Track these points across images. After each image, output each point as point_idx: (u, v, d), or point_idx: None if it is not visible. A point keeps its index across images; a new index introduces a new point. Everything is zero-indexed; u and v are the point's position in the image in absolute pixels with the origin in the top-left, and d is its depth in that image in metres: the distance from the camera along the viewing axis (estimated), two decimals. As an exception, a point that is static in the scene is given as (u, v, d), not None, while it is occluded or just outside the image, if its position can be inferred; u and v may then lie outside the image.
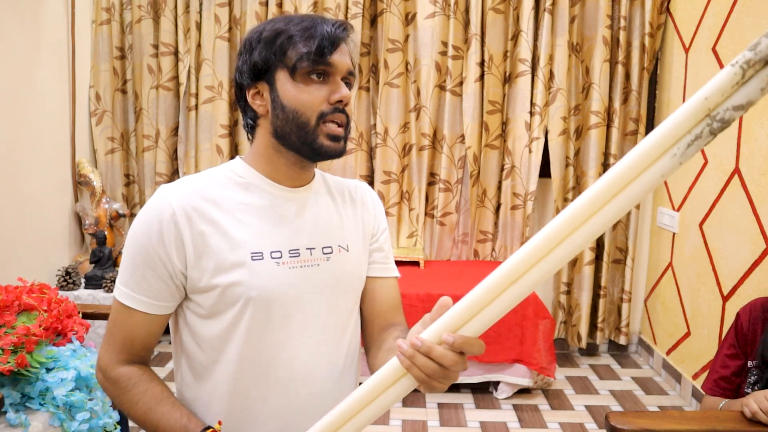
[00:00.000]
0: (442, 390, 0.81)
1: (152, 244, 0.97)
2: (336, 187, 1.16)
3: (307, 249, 1.05)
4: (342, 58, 1.00)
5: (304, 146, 1.01)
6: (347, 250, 1.10)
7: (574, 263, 3.35)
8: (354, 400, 0.83)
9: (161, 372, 3.08)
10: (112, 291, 2.89)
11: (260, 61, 1.00)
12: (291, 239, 1.03)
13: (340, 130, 1.01)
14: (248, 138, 1.09)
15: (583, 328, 3.32)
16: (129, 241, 1.01)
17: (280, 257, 1.02)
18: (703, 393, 1.70)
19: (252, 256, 0.99)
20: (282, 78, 1.00)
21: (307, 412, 1.03)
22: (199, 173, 1.07)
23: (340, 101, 0.99)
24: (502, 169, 3.32)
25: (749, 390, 1.57)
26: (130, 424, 2.06)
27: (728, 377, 1.62)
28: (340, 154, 1.02)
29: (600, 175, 3.28)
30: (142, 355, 1.03)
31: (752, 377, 1.58)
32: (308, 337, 1.03)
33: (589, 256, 3.29)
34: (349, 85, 1.03)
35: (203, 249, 0.98)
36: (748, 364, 1.59)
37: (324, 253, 1.06)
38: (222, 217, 1.00)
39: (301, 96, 0.98)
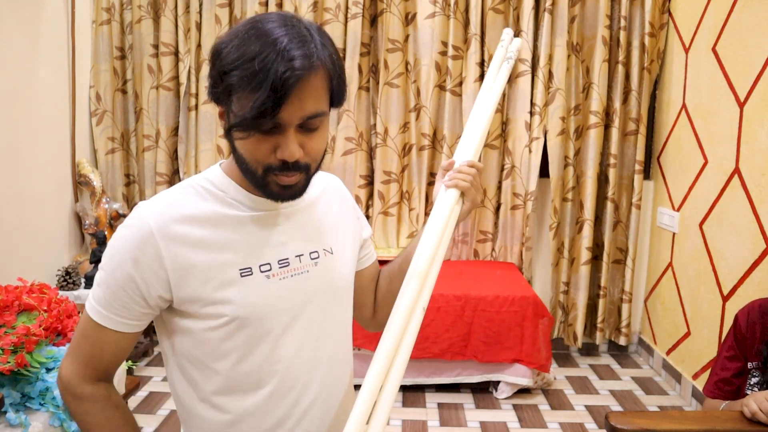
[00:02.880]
0: (481, 200, 1.09)
1: (127, 266, 0.93)
2: (313, 186, 1.08)
3: (296, 257, 1.02)
4: (294, 111, 0.87)
5: (257, 189, 0.96)
6: (332, 253, 1.08)
7: (572, 263, 3.35)
8: (432, 231, 1.09)
9: (161, 372, 3.08)
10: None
11: (211, 88, 0.91)
12: (279, 249, 1.00)
13: (292, 180, 0.92)
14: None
15: (579, 328, 3.33)
16: (105, 259, 0.96)
17: (270, 269, 0.99)
18: (704, 395, 1.70)
19: (241, 273, 0.96)
20: (231, 117, 0.90)
21: (308, 419, 1.02)
22: (176, 186, 1.01)
23: (286, 160, 0.89)
24: (502, 169, 3.32)
25: (750, 391, 1.57)
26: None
27: (728, 379, 1.62)
28: (297, 197, 0.96)
29: (599, 175, 3.29)
30: (108, 371, 1.01)
31: (753, 378, 1.58)
32: (304, 346, 1.02)
33: (586, 255, 3.29)
34: (309, 129, 0.91)
35: (187, 270, 0.94)
36: (748, 366, 1.59)
37: (312, 259, 1.04)
38: (205, 234, 0.95)
39: (246, 146, 0.90)
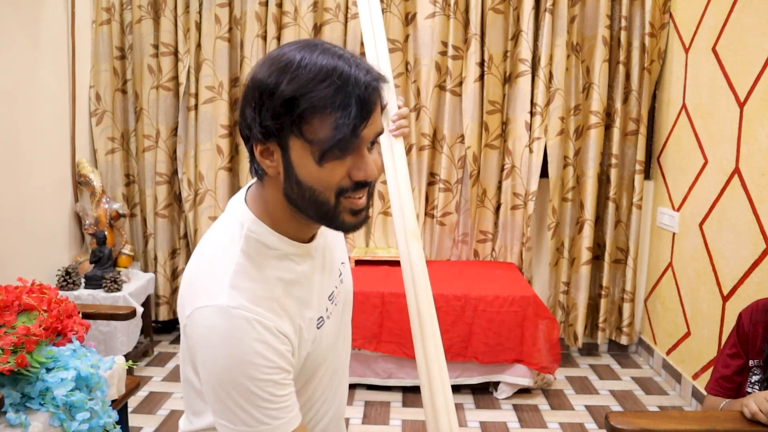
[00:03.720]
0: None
1: (276, 365, 0.85)
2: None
3: (335, 288, 1.03)
4: (372, 127, 0.84)
5: (323, 221, 0.90)
6: (345, 264, 1.11)
7: (572, 263, 3.35)
8: (405, 186, 1.23)
9: (161, 372, 3.08)
10: (111, 291, 2.88)
11: (269, 121, 0.82)
12: (327, 286, 1.00)
13: (362, 202, 0.88)
14: (253, 176, 0.94)
15: (580, 328, 3.33)
16: (243, 385, 0.83)
17: (328, 309, 0.98)
18: (704, 393, 1.70)
19: (318, 325, 0.95)
20: (297, 149, 0.83)
21: (321, 414, 1.05)
22: (227, 256, 0.89)
23: (365, 180, 0.86)
24: (502, 169, 3.32)
25: (750, 389, 1.57)
26: (130, 423, 2.06)
27: (729, 376, 1.63)
28: (365, 221, 0.92)
29: (599, 175, 3.29)
30: None
31: (754, 376, 1.58)
32: (336, 363, 1.06)
33: (586, 255, 3.29)
34: (371, 146, 0.88)
35: (303, 342, 0.92)
36: (750, 364, 1.60)
37: (338, 278, 1.05)
38: (284, 302, 0.89)
39: (321, 175, 0.84)
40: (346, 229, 0.91)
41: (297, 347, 0.90)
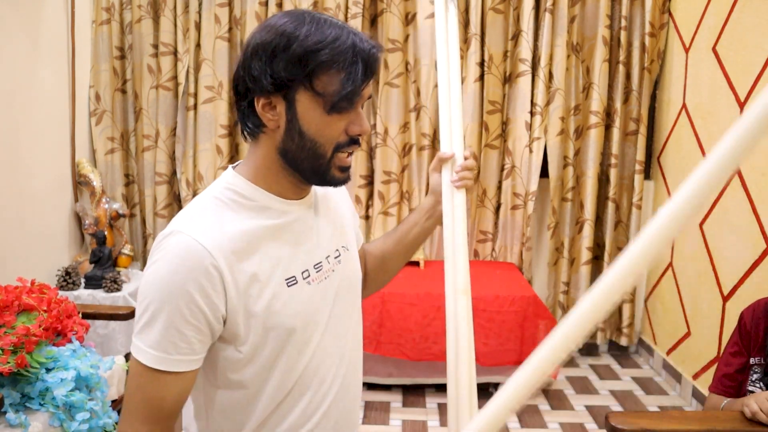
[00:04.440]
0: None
1: (194, 296, 0.88)
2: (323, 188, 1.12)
3: (326, 258, 1.03)
4: (368, 88, 0.94)
5: (314, 175, 0.97)
6: (348, 250, 1.10)
7: (572, 263, 3.35)
8: (460, 241, 1.15)
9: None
10: (111, 291, 2.88)
11: (284, 74, 0.89)
12: (313, 253, 1.01)
13: (350, 160, 0.98)
14: (245, 140, 1.00)
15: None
16: (157, 300, 0.89)
17: (309, 275, 1.00)
18: (705, 393, 1.70)
19: (287, 282, 0.96)
20: (305, 101, 0.91)
21: (328, 411, 1.04)
22: (201, 202, 0.97)
23: (361, 134, 0.96)
24: (502, 169, 3.32)
25: (751, 387, 1.57)
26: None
27: (732, 374, 1.63)
28: (349, 178, 1.00)
29: (599, 175, 3.29)
30: (171, 418, 0.94)
31: (755, 374, 1.58)
32: (333, 346, 1.04)
33: (586, 255, 3.29)
34: (360, 108, 0.97)
35: (242, 288, 0.92)
36: (751, 361, 1.60)
37: (335, 258, 1.06)
38: (249, 248, 0.93)
39: (325, 128, 0.92)
40: (334, 183, 0.98)
41: (237, 290, 0.92)
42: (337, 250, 1.07)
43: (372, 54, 0.91)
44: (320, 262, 1.02)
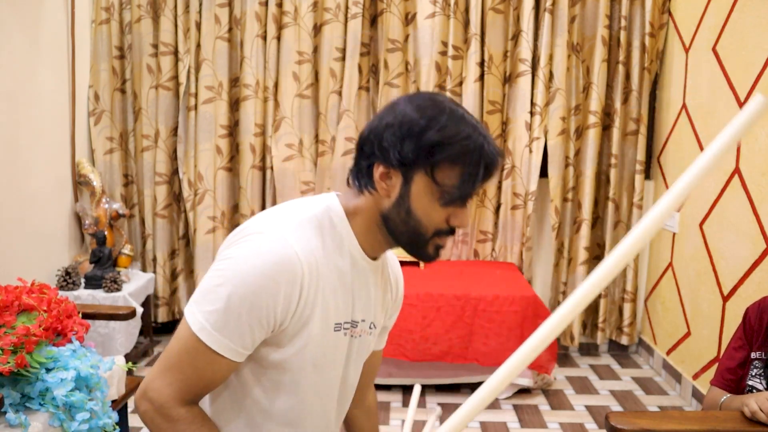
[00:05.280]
0: None
1: (274, 303, 0.94)
2: (392, 265, 1.20)
3: (362, 321, 1.09)
4: (482, 188, 1.03)
5: (409, 248, 1.03)
6: (376, 328, 1.15)
7: (569, 263, 3.35)
8: None
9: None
10: (111, 291, 2.88)
11: (411, 156, 0.95)
12: (358, 311, 1.07)
13: (446, 243, 1.04)
14: (348, 185, 1.05)
15: (576, 328, 3.33)
16: (240, 291, 0.93)
17: (349, 328, 1.07)
18: (704, 393, 1.70)
19: (335, 327, 1.03)
20: (421, 184, 0.97)
21: None
22: (304, 213, 1.02)
23: (460, 228, 1.02)
24: (502, 169, 3.32)
25: (751, 381, 1.57)
26: (130, 423, 2.06)
27: (733, 368, 1.64)
28: (434, 260, 1.06)
29: (599, 175, 3.29)
30: (205, 394, 1.01)
31: (755, 369, 1.58)
32: (331, 402, 1.11)
33: (584, 255, 3.29)
34: None
35: (308, 310, 0.98)
36: (752, 356, 1.60)
37: (369, 328, 1.12)
38: (325, 281, 1.00)
39: (433, 213, 0.98)
40: (426, 258, 1.04)
41: (296, 311, 0.97)
42: (374, 322, 1.13)
43: (496, 160, 0.97)
44: (358, 322, 1.08)
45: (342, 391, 1.13)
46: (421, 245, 1.02)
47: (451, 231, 1.01)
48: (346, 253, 1.03)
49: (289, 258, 0.94)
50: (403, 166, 0.96)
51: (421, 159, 0.95)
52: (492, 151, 0.96)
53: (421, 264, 3.19)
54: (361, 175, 1.01)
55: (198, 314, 0.94)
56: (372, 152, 0.98)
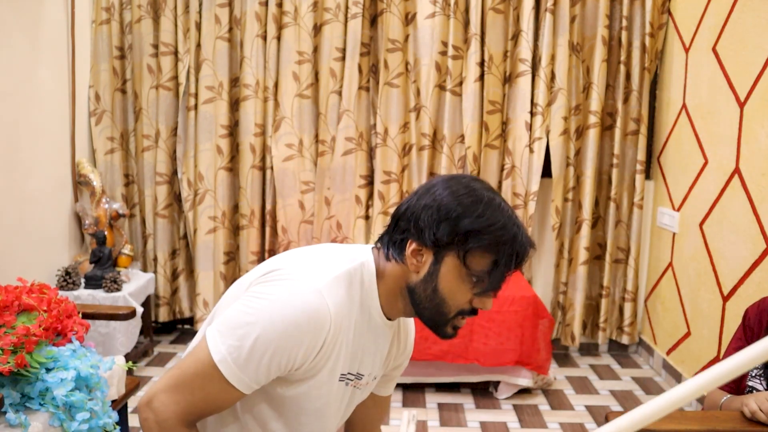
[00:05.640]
0: None
1: (297, 351, 0.97)
2: (403, 320, 1.22)
3: (368, 374, 1.13)
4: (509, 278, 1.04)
5: (429, 323, 1.06)
6: (376, 379, 1.19)
7: (570, 263, 3.35)
8: None
9: (161, 372, 3.08)
10: (111, 291, 2.88)
11: (445, 239, 0.99)
12: (364, 365, 1.11)
13: (464, 323, 1.08)
14: (380, 250, 1.08)
15: (577, 328, 3.33)
16: (269, 335, 0.95)
17: (352, 380, 1.11)
18: (704, 393, 1.70)
19: (340, 377, 1.07)
20: (451, 266, 1.01)
21: None
22: (342, 267, 1.04)
23: (481, 310, 1.06)
24: (502, 169, 3.32)
25: (750, 382, 1.57)
26: (130, 423, 2.06)
27: None
28: (450, 338, 1.10)
29: (600, 175, 3.29)
30: (205, 416, 1.04)
31: (754, 370, 1.59)
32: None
33: (584, 255, 3.29)
34: None
35: (323, 361, 1.01)
36: None
37: (373, 379, 1.16)
38: (343, 339, 1.03)
39: (458, 295, 1.02)
40: (443, 336, 1.08)
41: (313, 360, 1.00)
42: (376, 376, 1.17)
43: (527, 251, 1.02)
44: (363, 375, 1.12)
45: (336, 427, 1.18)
46: (441, 324, 1.06)
47: (473, 312, 1.06)
48: (366, 311, 1.07)
49: (322, 314, 0.97)
50: (437, 247, 1.00)
51: (455, 243, 0.99)
52: (524, 241, 1.01)
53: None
54: (393, 247, 1.05)
55: (221, 345, 0.96)
56: (407, 228, 1.02)
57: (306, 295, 0.97)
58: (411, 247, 1.02)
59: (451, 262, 1.00)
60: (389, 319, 1.11)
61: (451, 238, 0.99)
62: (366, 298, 1.06)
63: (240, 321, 0.96)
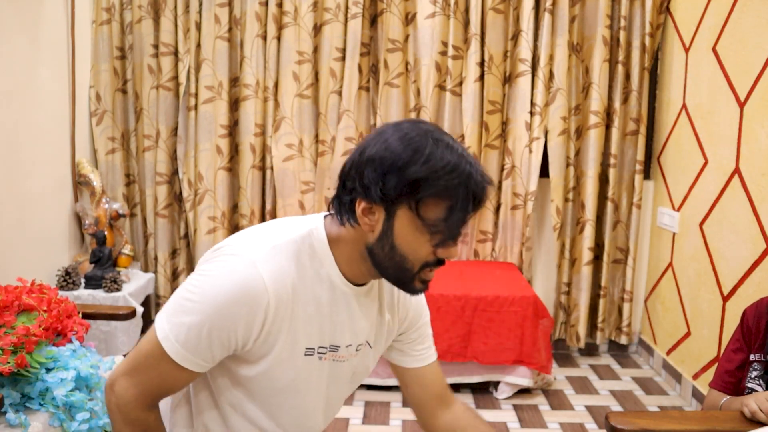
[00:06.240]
0: None
1: (235, 326, 0.95)
2: (386, 284, 1.14)
3: (346, 346, 1.08)
4: (472, 219, 0.99)
5: (395, 282, 1.01)
6: (371, 347, 1.13)
7: (573, 263, 3.35)
8: None
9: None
10: (111, 291, 2.89)
11: (393, 193, 0.92)
12: (338, 336, 1.06)
13: (432, 275, 1.01)
14: (330, 211, 1.03)
15: (582, 328, 3.32)
16: (206, 311, 0.94)
17: (324, 353, 1.05)
18: (704, 393, 1.70)
19: (305, 352, 1.03)
20: (404, 219, 0.94)
21: None
22: (284, 237, 1.00)
23: (447, 259, 0.99)
24: (502, 169, 3.32)
25: (750, 383, 1.57)
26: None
27: (732, 371, 1.63)
28: (422, 293, 1.04)
29: (599, 175, 3.29)
30: (166, 396, 1.05)
31: (754, 371, 1.58)
32: (313, 416, 1.11)
33: (588, 256, 3.29)
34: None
35: (274, 336, 0.99)
36: (751, 358, 1.60)
37: (356, 350, 1.10)
38: (296, 308, 0.99)
39: (417, 248, 0.96)
40: (412, 292, 1.02)
41: (259, 335, 0.97)
42: (362, 344, 1.10)
43: (484, 190, 0.93)
44: (339, 346, 1.07)
45: (326, 410, 1.15)
46: (407, 280, 0.99)
47: (440, 262, 0.98)
48: (325, 280, 1.02)
49: (255, 286, 0.94)
50: (386, 202, 0.93)
51: (405, 195, 0.92)
52: (480, 180, 0.93)
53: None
54: (343, 210, 0.99)
55: (166, 324, 0.97)
56: (354, 187, 0.96)
57: (239, 269, 0.95)
58: (360, 206, 0.96)
59: (404, 215, 0.93)
60: (359, 285, 1.05)
61: (400, 190, 0.91)
62: (321, 266, 1.01)
63: (181, 300, 0.97)
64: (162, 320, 0.97)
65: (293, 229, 1.02)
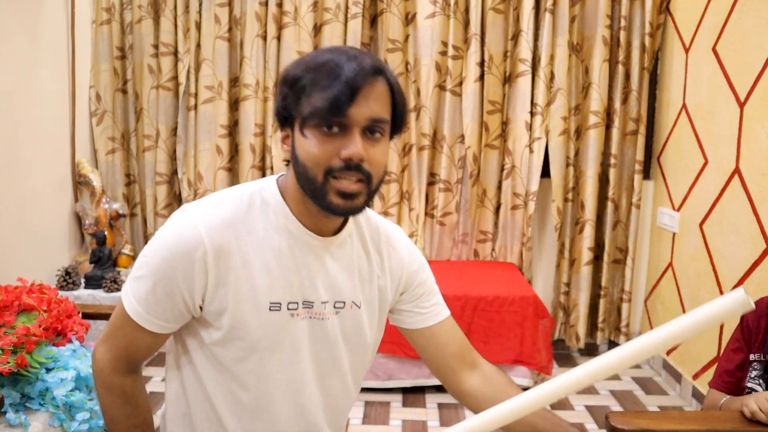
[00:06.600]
0: None
1: (176, 278, 0.95)
2: (371, 235, 1.10)
3: (322, 303, 1.03)
4: (361, 109, 0.89)
5: (313, 200, 0.95)
6: (359, 307, 1.07)
7: (572, 263, 3.35)
8: None
9: (161, 372, 3.08)
10: (111, 291, 2.89)
11: (282, 107, 0.95)
12: (309, 290, 1.01)
13: (354, 187, 0.92)
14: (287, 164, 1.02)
15: (582, 328, 3.32)
16: (151, 265, 0.96)
17: (296, 309, 1.01)
18: (704, 394, 1.70)
19: (270, 306, 0.99)
20: (298, 128, 0.94)
21: None
22: (231, 194, 1.01)
23: (351, 158, 0.90)
24: (502, 169, 3.32)
25: (750, 383, 1.57)
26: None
27: (732, 371, 1.63)
28: (356, 211, 0.96)
29: (599, 175, 3.29)
30: (138, 363, 1.06)
31: (754, 371, 1.58)
32: (303, 387, 1.04)
33: (588, 256, 3.29)
34: (373, 137, 0.93)
35: (225, 289, 0.97)
36: (750, 357, 1.60)
37: (335, 308, 1.04)
38: (248, 259, 0.97)
39: (310, 150, 0.91)
40: (334, 210, 0.94)
41: (204, 288, 0.97)
42: (342, 302, 1.05)
43: (357, 74, 0.88)
44: (312, 302, 1.02)
45: (321, 378, 1.06)
46: (320, 194, 0.92)
47: (347, 166, 0.90)
48: (282, 231, 0.99)
49: (188, 236, 0.95)
50: (286, 121, 0.96)
51: (289, 101, 0.93)
52: (350, 68, 0.88)
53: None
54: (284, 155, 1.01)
55: (127, 287, 1.00)
56: (278, 124, 0.99)
57: (180, 223, 0.97)
58: (281, 137, 0.98)
59: (298, 123, 0.93)
60: (325, 236, 1.01)
61: (285, 98, 0.93)
62: (276, 217, 0.99)
63: (138, 262, 0.99)
64: (125, 284, 1.01)
65: (244, 187, 1.03)
